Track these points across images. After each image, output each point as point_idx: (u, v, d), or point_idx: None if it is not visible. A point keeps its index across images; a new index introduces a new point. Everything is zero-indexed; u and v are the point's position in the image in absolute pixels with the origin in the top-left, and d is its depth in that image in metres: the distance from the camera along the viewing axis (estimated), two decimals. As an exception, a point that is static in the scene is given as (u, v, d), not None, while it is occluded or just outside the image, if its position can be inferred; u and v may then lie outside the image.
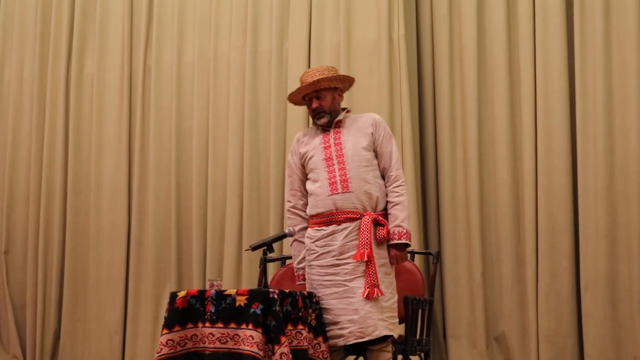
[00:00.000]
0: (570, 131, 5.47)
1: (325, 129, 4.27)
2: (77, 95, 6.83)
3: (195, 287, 6.12)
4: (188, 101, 6.49)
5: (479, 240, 5.59)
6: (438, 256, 4.78)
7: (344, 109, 4.32)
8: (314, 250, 4.17)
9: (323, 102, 4.22)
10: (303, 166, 4.30)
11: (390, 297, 4.09)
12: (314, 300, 4.07)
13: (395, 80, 5.74)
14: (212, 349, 3.84)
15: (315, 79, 4.18)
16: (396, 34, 5.80)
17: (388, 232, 4.10)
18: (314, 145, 4.26)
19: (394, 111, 5.71)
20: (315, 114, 4.25)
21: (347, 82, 4.31)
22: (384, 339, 4.04)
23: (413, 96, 5.77)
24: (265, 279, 4.62)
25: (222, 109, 6.34)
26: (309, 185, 4.25)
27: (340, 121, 4.25)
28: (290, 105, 6.02)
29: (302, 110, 6.00)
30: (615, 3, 5.41)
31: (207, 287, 4.04)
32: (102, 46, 6.79)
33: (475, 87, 5.68)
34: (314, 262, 4.17)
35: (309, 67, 6.03)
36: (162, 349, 3.86)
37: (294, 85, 6.03)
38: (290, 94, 4.32)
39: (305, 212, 4.30)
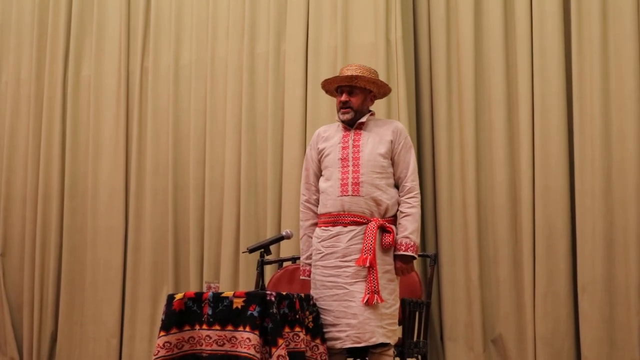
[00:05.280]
0: (567, 134, 5.47)
1: (346, 128, 4.25)
2: (74, 97, 6.83)
3: (193, 289, 6.11)
4: (185, 103, 6.49)
5: (476, 243, 5.58)
6: (435, 258, 4.79)
7: (369, 112, 4.30)
8: (320, 250, 4.16)
9: (353, 98, 4.21)
10: (319, 162, 4.29)
11: (392, 304, 4.08)
12: (311, 302, 4.07)
13: (392, 83, 5.73)
14: (209, 352, 3.84)
15: (355, 74, 4.19)
16: (393, 36, 5.80)
17: (395, 240, 4.10)
18: (333, 143, 4.24)
19: (391, 113, 5.70)
20: (341, 107, 4.23)
21: (383, 89, 4.30)
22: (386, 343, 4.04)
23: (410, 98, 5.77)
24: (263, 281, 4.63)
25: (219, 112, 6.34)
26: (322, 183, 4.24)
27: (362, 123, 4.23)
28: (288, 108, 6.08)
29: (299, 112, 6.01)
30: (612, 6, 5.41)
31: (205, 290, 4.04)
32: (99, 48, 6.79)
33: (472, 90, 5.68)
34: (318, 263, 4.16)
35: (307, 69, 6.04)
36: (159, 352, 3.86)
37: (291, 87, 6.06)
38: (326, 80, 4.30)
39: (317, 207, 4.28)
